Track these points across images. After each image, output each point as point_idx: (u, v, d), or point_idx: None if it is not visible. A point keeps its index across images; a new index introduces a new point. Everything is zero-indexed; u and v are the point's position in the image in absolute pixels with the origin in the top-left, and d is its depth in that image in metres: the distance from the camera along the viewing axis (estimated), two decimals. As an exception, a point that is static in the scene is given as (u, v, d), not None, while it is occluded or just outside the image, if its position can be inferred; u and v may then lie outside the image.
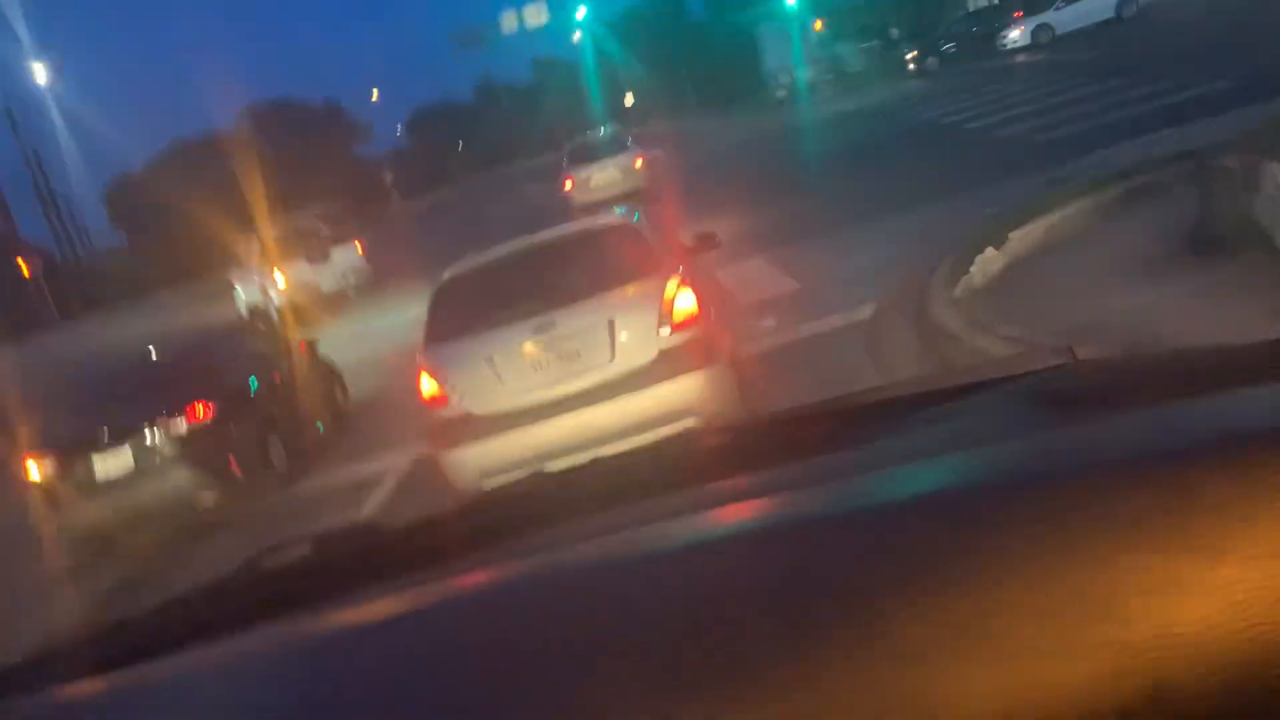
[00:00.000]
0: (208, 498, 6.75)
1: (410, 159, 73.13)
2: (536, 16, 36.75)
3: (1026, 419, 0.92)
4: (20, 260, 32.10)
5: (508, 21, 36.83)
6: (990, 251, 6.07)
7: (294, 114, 59.93)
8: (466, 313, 5.12)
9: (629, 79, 62.83)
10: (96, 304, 36.86)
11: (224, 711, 0.72)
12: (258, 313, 16.35)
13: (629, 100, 62.32)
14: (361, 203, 43.64)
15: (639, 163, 17.68)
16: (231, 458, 6.76)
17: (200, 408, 6.72)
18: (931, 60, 29.43)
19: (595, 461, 1.17)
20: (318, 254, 17.82)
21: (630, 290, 4.93)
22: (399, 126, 76.86)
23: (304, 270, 17.48)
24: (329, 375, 8.70)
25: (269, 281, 17.11)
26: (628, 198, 15.71)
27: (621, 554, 0.74)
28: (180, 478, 6.62)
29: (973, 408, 1.00)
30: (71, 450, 6.69)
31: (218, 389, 6.97)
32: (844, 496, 0.72)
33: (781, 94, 36.62)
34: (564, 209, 16.13)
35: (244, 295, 18.13)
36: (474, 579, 0.79)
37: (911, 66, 30.12)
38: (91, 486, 6.60)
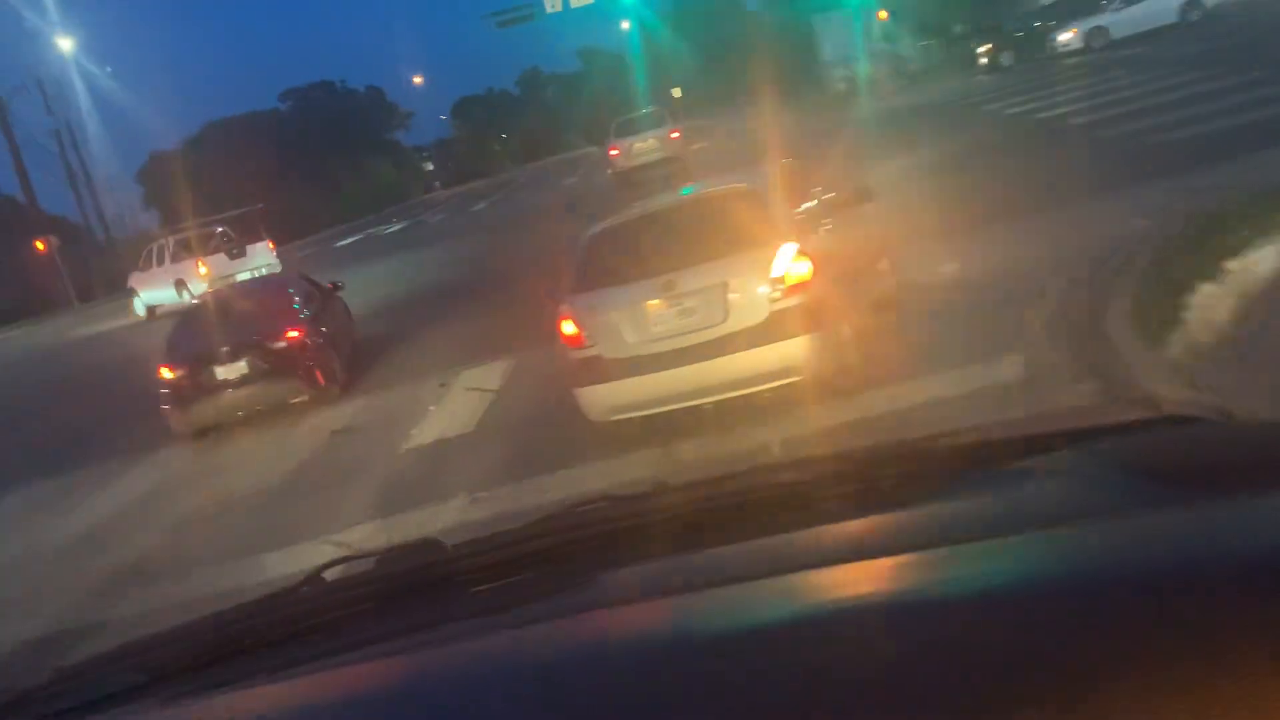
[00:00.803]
0: (299, 395, 9.05)
1: (453, 148, 72.20)
2: (582, -7, 34.48)
3: (1152, 485, 0.85)
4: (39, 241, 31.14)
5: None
6: (1211, 290, 4.36)
7: (335, 99, 59.13)
8: (604, 267, 5.61)
9: (678, 71, 61.11)
10: (121, 286, 35.82)
11: None
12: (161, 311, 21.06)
13: (677, 93, 60.45)
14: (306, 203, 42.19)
15: (673, 135, 21.64)
16: (315, 369, 9.04)
17: (292, 331, 9.12)
18: (1006, 54, 27.39)
19: (661, 489, 1.16)
20: (236, 251, 21.90)
21: (745, 255, 5.25)
22: (444, 116, 75.73)
23: (223, 263, 21.41)
24: (349, 314, 11.29)
25: (192, 274, 21.02)
26: (663, 163, 20.10)
27: (717, 627, 0.70)
28: (281, 381, 8.95)
29: (1081, 465, 0.93)
30: (197, 363, 9.01)
31: (299, 318, 9.41)
32: (975, 568, 0.68)
33: (842, 87, 34.65)
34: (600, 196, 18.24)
35: (144, 299, 22.75)
36: (536, 631, 0.78)
37: (983, 60, 28.11)
38: (214, 387, 8.94)
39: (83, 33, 41.28)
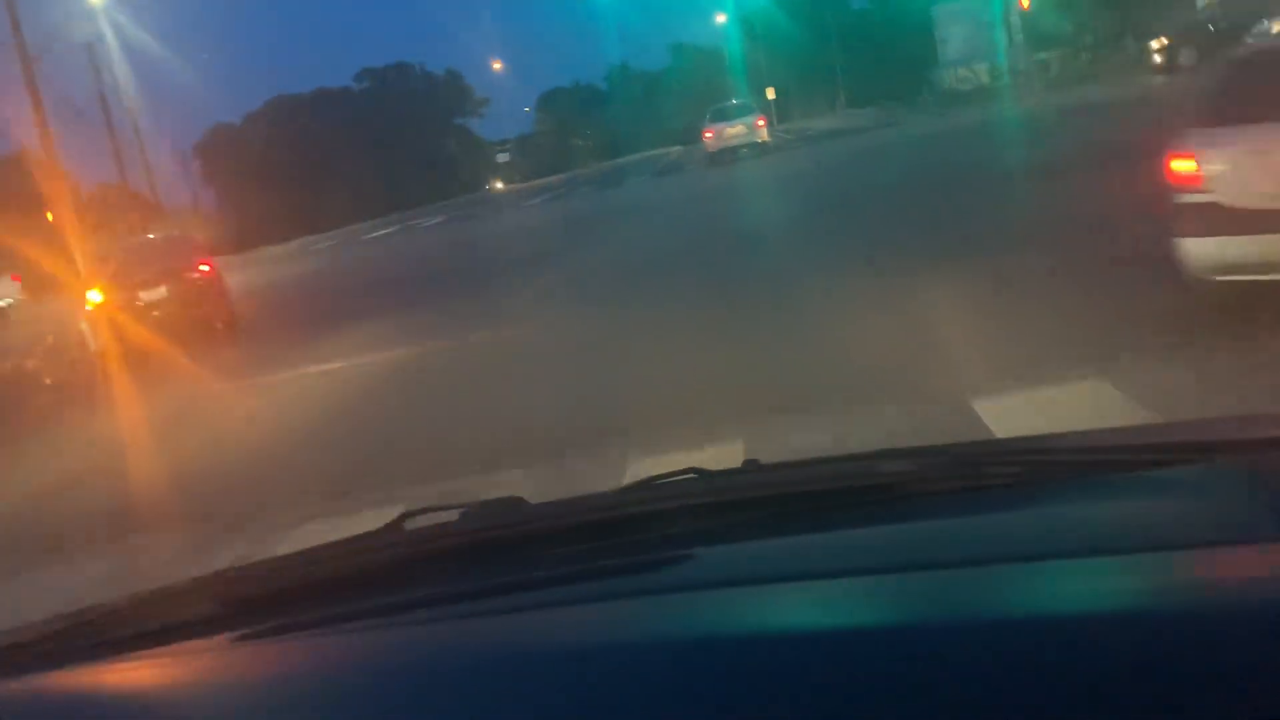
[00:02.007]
0: (214, 321, 12.13)
1: (534, 142, 69.14)
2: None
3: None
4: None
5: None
6: None
7: (411, 81, 56.37)
8: (1250, 99, 4.81)
9: (774, 70, 56.88)
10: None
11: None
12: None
13: (771, 93, 56.19)
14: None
15: (760, 123, 24.83)
16: (223, 302, 12.51)
17: (204, 265, 12.42)
18: (1187, 51, 22.38)
19: (752, 468, 1.12)
20: None
21: None
22: (528, 109, 72.49)
23: None
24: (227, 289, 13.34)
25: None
26: (749, 146, 23.31)
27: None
28: (197, 308, 11.93)
29: (1211, 482, 0.86)
30: (124, 286, 11.87)
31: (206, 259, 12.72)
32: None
33: (967, 87, 29.84)
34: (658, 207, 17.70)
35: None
36: (601, 609, 0.78)
37: (1158, 59, 23.17)
38: (137, 307, 11.70)
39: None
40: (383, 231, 27.96)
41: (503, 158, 64.70)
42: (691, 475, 1.07)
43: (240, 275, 19.39)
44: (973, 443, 1.12)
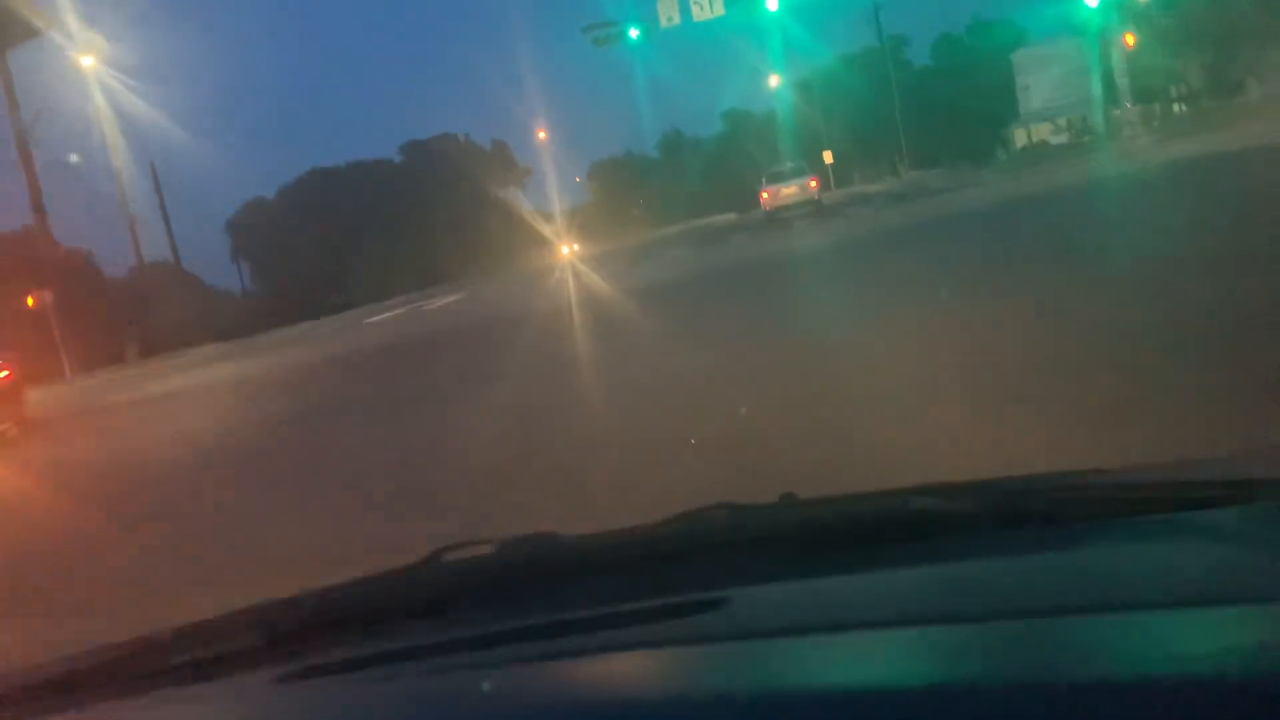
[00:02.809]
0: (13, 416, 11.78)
1: (585, 212, 67.28)
2: (706, 9, 26.20)
3: None
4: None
5: (666, 9, 25.92)
6: None
7: (456, 152, 54.75)
8: None
9: (831, 133, 54.06)
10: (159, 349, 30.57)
11: None
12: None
13: (828, 157, 53.26)
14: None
15: (813, 184, 25.61)
16: (18, 407, 12.13)
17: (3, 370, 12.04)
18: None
19: (788, 502, 1.09)
20: None
21: None
22: (580, 179, 70.60)
23: None
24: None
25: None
26: (803, 205, 24.58)
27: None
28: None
29: (1252, 527, 0.80)
30: None
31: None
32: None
33: (1058, 140, 26.21)
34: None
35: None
36: (617, 659, 0.78)
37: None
38: None
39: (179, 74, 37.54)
40: (390, 313, 24.73)
41: (550, 229, 62.70)
42: (722, 508, 1.05)
43: (176, 380, 16.73)
44: (1006, 478, 1.02)
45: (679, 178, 68.91)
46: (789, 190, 25.26)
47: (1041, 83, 30.93)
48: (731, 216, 48.90)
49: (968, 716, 0.57)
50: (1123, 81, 23.61)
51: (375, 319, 22.88)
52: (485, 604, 0.99)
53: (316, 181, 46.64)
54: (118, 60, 33.28)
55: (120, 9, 38.18)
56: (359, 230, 41.77)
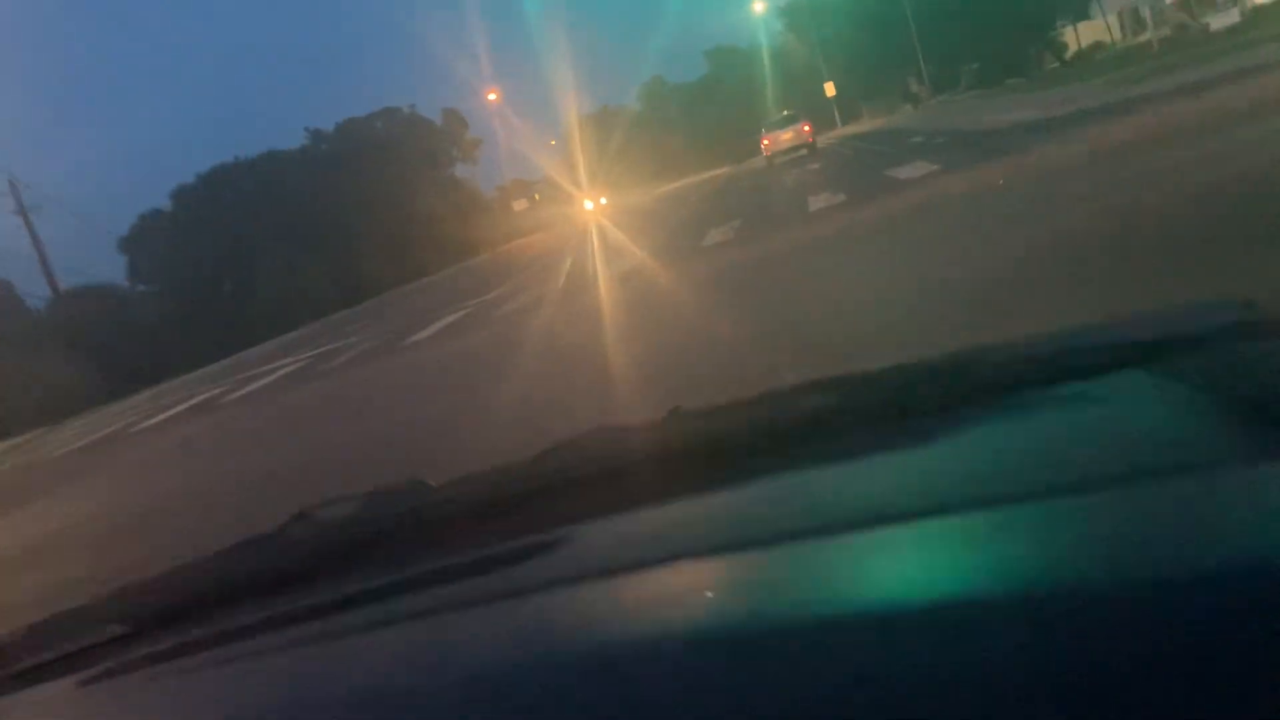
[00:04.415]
0: None
1: (559, 180, 59.82)
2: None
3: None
4: None
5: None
6: None
7: (397, 128, 47.29)
8: None
9: (832, 60, 46.32)
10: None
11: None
12: None
13: (830, 90, 45.57)
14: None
15: (805, 129, 28.84)
16: None
17: None
18: None
19: (675, 418, 1.01)
20: None
21: None
22: (554, 141, 62.58)
23: None
24: None
25: None
26: (799, 148, 28.28)
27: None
28: None
29: (1167, 389, 0.75)
30: None
31: None
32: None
33: (1166, 33, 18.73)
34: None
35: None
36: (510, 598, 0.73)
37: None
38: None
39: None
40: (274, 373, 16.28)
41: (520, 206, 55.19)
42: (603, 434, 1.00)
43: None
44: (897, 365, 0.95)
45: (666, 129, 61.86)
46: (786, 136, 28.94)
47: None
48: (726, 170, 41.55)
49: (874, 621, 0.52)
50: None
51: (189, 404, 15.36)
52: (352, 566, 0.92)
53: (219, 182, 39.06)
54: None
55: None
56: (269, 239, 34.46)
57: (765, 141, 29.84)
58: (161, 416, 14.54)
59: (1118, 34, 31.08)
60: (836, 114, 46.09)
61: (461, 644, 0.69)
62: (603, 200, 43.23)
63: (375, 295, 32.23)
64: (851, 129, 37.42)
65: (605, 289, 9.84)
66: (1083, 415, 0.75)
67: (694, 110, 63.13)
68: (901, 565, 0.60)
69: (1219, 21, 20.45)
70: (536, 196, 59.93)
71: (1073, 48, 32.35)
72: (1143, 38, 25.87)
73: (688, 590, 0.67)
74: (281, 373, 14.09)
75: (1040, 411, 0.78)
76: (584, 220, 29.13)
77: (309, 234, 35.16)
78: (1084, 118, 11.24)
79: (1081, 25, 35.12)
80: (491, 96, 43.75)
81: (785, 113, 32.02)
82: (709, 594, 0.64)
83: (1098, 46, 30.13)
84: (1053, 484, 0.62)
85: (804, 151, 27.50)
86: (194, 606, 0.94)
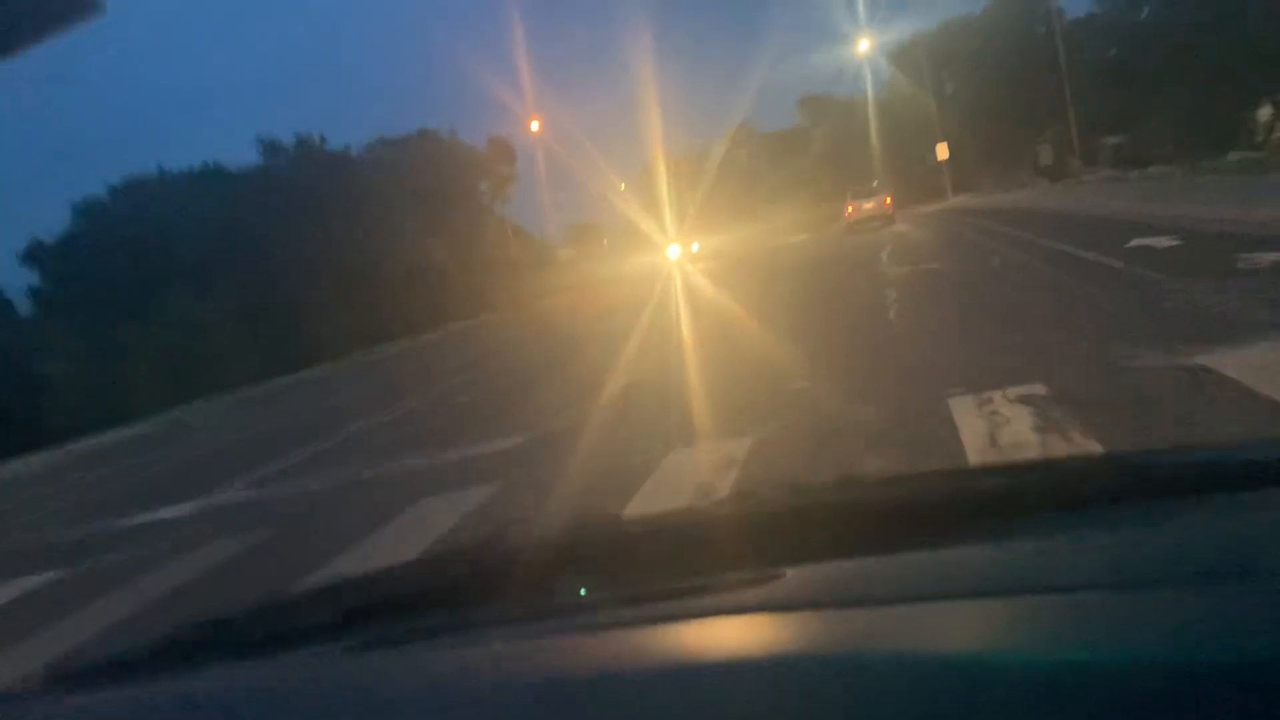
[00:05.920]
0: None
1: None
2: None
3: None
4: None
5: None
6: None
7: (434, 154, 41.08)
8: None
9: (947, 115, 38.90)
10: None
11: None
12: None
13: (942, 152, 38.05)
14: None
15: (887, 201, 30.18)
16: None
17: None
18: None
19: (846, 482, 1.08)
20: None
21: None
22: (624, 186, 55.95)
23: None
24: None
25: None
26: (879, 218, 29.17)
27: None
28: None
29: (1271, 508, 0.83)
30: None
31: None
32: None
33: None
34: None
35: None
36: (685, 628, 0.78)
37: None
38: None
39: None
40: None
41: (567, 255, 48.75)
42: (781, 488, 1.06)
43: None
44: (1070, 456, 1.08)
45: (742, 179, 55.15)
46: (868, 205, 29.95)
47: None
48: (803, 237, 34.26)
49: (1034, 689, 0.54)
50: None
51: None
52: (543, 582, 0.98)
53: (157, 193, 32.55)
54: None
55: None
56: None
57: (849, 209, 30.82)
58: None
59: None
60: (948, 182, 38.48)
61: (618, 665, 0.72)
62: (694, 246, 38.46)
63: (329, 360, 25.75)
64: (976, 202, 29.51)
65: None
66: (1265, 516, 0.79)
67: (779, 161, 56.30)
68: (1098, 633, 0.61)
69: None
70: (605, 241, 53.78)
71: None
72: None
73: (858, 636, 0.69)
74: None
75: (1240, 512, 0.81)
76: (667, 271, 28.86)
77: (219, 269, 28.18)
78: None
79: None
80: (534, 125, 37.47)
81: (875, 183, 33.64)
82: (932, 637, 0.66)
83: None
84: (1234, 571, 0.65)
85: (878, 223, 28.26)
86: (401, 604, 1.00)
